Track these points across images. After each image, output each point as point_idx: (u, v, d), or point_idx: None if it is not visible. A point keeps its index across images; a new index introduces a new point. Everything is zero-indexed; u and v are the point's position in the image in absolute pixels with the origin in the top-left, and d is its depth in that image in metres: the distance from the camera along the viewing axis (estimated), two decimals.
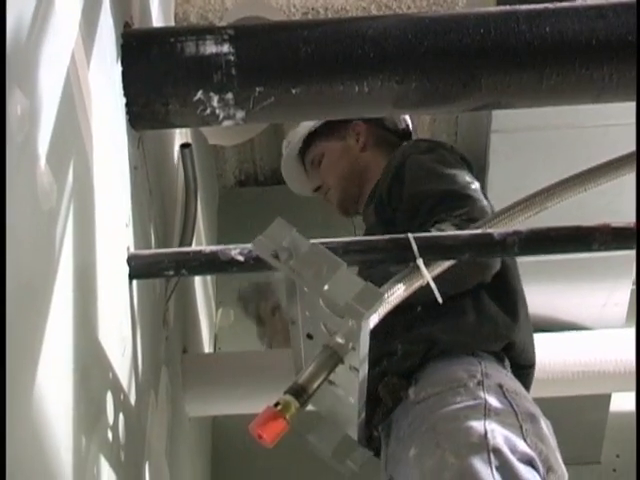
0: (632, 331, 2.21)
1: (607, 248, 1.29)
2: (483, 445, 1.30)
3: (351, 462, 1.16)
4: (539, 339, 1.94)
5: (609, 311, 2.27)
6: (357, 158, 1.93)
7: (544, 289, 2.24)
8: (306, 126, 2.01)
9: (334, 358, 1.00)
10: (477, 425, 1.33)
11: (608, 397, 2.53)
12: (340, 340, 1.00)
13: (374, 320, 1.20)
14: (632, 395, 2.56)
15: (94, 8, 1.15)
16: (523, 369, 1.65)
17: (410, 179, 1.66)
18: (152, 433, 1.41)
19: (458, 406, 1.39)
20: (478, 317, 1.56)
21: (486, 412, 1.37)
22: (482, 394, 1.41)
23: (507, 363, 1.60)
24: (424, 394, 1.46)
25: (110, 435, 1.12)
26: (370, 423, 1.53)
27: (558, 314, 2.26)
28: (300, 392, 0.97)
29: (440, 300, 1.29)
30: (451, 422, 1.37)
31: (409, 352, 1.54)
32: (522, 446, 1.32)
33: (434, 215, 1.55)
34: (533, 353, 1.68)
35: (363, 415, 1.18)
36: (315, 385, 0.98)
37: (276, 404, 0.95)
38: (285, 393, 0.97)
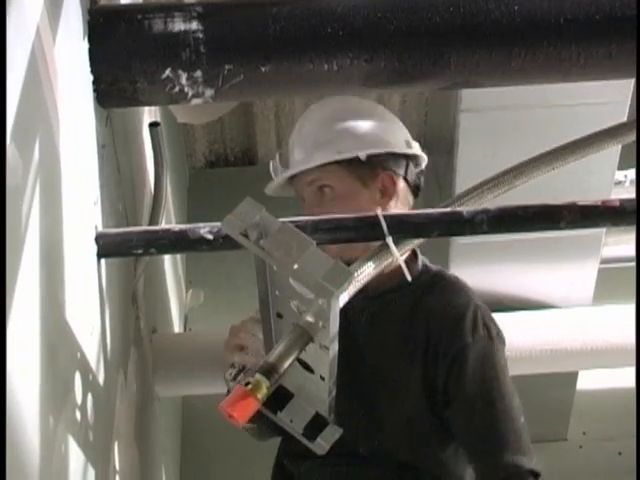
0: (600, 309, 2.24)
1: (575, 226, 1.30)
2: None
3: (322, 440, 1.16)
4: (507, 318, 1.96)
5: (577, 290, 2.30)
6: (370, 206, 1.51)
7: (513, 268, 2.26)
8: (332, 148, 1.56)
9: (304, 337, 1.00)
10: None
11: (575, 375, 2.56)
12: (310, 319, 0.99)
13: (344, 298, 1.20)
14: (598, 373, 2.60)
15: None
16: None
17: (474, 378, 1.53)
18: (121, 413, 1.41)
19: None
20: None
21: None
22: None
23: None
24: None
25: (78, 414, 1.11)
26: None
27: (526, 293, 2.28)
28: (270, 371, 0.97)
29: (409, 278, 1.28)
30: None
31: None
32: None
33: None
34: None
35: (334, 392, 1.18)
36: (286, 364, 0.98)
37: (246, 383, 0.95)
38: (255, 372, 0.96)
